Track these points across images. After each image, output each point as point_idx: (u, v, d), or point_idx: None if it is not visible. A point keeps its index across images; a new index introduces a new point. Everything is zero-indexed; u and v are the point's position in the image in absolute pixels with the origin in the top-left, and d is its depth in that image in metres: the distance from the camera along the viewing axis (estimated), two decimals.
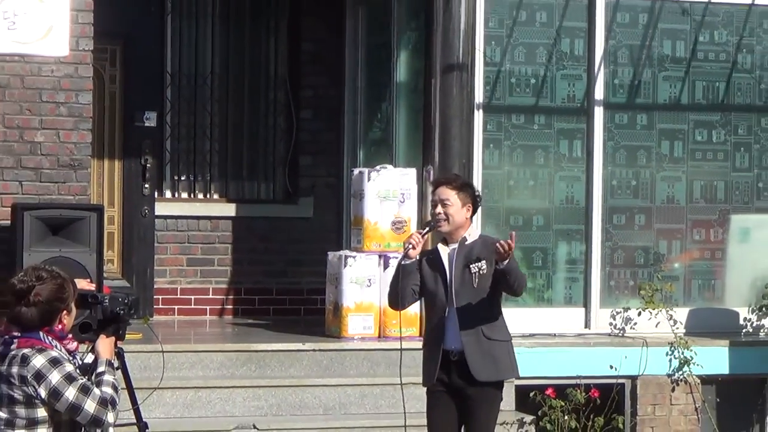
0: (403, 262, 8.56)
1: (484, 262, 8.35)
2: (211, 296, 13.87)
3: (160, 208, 13.53)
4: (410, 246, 8.37)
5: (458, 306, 8.41)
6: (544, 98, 12.65)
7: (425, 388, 8.75)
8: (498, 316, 8.48)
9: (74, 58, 12.06)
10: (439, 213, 8.37)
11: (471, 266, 8.39)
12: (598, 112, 12.47)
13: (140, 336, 10.76)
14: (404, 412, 9.05)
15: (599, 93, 12.56)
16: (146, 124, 13.62)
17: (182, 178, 14.11)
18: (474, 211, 8.73)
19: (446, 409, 8.67)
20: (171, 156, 13.96)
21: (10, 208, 11.44)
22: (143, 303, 12.63)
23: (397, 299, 8.75)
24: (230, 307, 13.84)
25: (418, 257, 8.49)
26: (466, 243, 8.44)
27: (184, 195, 14.08)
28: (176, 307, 13.58)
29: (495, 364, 8.53)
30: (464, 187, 8.63)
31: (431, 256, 8.64)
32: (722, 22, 13.03)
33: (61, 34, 12.09)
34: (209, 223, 13.78)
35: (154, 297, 13.48)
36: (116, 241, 13.48)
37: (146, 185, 13.41)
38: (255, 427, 10.33)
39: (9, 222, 11.47)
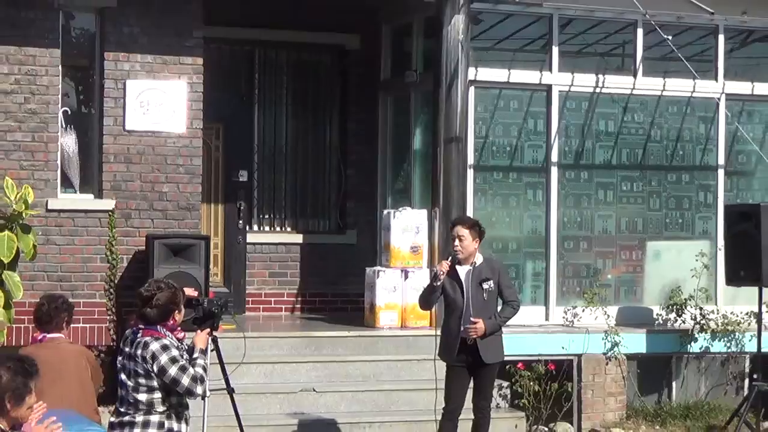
0: (434, 284, 9.78)
1: (491, 282, 9.65)
2: (285, 298, 14.54)
3: (251, 238, 14.33)
4: (442, 273, 9.57)
5: (472, 310, 9.60)
6: (516, 161, 13.62)
7: (444, 363, 9.95)
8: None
9: (189, 133, 13.04)
10: (457, 246, 9.62)
11: (483, 284, 9.61)
12: (554, 171, 13.51)
13: (234, 326, 11.42)
14: (435, 379, 10.02)
15: (554, 157, 13.62)
16: (240, 179, 14.50)
17: (265, 217, 14.80)
18: (480, 242, 9.93)
19: (462, 378, 9.89)
20: (257, 201, 14.67)
21: (145, 238, 12.34)
22: (237, 303, 13.64)
23: (427, 306, 10.35)
24: (298, 306, 14.52)
25: (441, 274, 9.63)
26: (476, 266, 9.65)
27: (267, 228, 14.77)
28: (261, 306, 14.33)
29: (496, 350, 9.86)
30: (474, 225, 9.84)
31: (455, 270, 9.71)
32: (640, 107, 14.04)
33: (180, 117, 13.04)
34: (284, 248, 14.44)
35: (246, 299, 14.18)
36: (219, 260, 14.26)
37: (240, 222, 14.18)
38: (314, 390, 11.40)
39: (144, 247, 12.30)
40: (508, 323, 10.46)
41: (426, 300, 10.21)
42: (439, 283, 9.77)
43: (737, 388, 13.32)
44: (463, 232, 9.73)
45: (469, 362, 9.84)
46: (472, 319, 9.59)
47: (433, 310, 10.89)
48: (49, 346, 8.42)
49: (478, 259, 9.83)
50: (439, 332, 10.48)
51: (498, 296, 9.85)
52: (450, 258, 9.75)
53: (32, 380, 5.27)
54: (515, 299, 10.09)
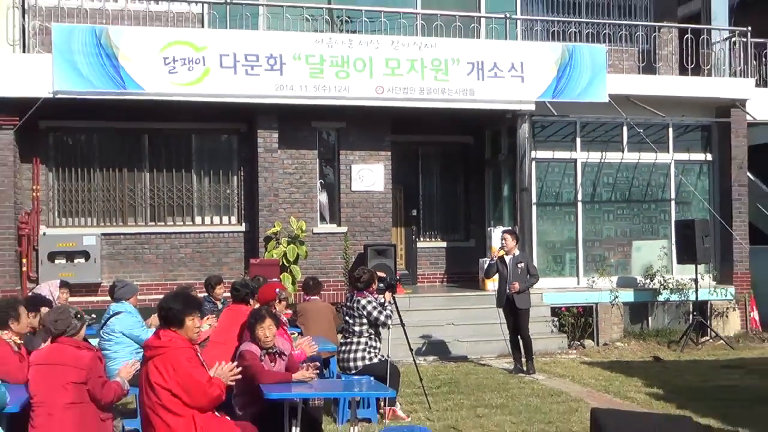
0: (490, 262, 11.47)
1: (522, 264, 11.01)
2: (438, 276, 15.66)
3: (419, 245, 15.51)
4: (495, 258, 11.31)
5: (512, 278, 10.93)
6: (558, 200, 14.89)
7: (500, 308, 11.21)
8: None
9: (385, 190, 14.09)
10: (504, 246, 11.17)
11: (518, 265, 10.96)
12: (579, 205, 14.81)
13: (411, 291, 13.79)
14: (499, 320, 11.39)
15: (579, 197, 14.89)
16: (412, 214, 15.85)
17: (426, 233, 15.88)
18: (517, 243, 11.32)
19: (506, 316, 11.22)
20: (422, 225, 15.84)
21: (363, 246, 13.71)
22: (412, 279, 14.87)
23: (487, 276, 11.84)
24: (445, 280, 15.60)
25: (496, 260, 11.13)
26: (515, 255, 11.10)
27: (427, 239, 15.84)
28: (426, 281, 15.46)
29: (524, 301, 11.00)
30: (513, 233, 11.44)
31: (502, 260, 11.10)
32: (626, 168, 15.05)
33: (380, 182, 13.92)
34: (436, 249, 15.72)
35: (417, 277, 15.19)
36: (403, 257, 15.16)
37: (413, 236, 15.39)
38: (453, 324, 12.86)
39: (363, 251, 13.66)
40: (544, 287, 12.47)
41: (487, 273, 11.63)
42: (493, 262, 11.21)
43: (685, 320, 14.32)
44: (508, 237, 11.17)
45: (509, 308, 11.06)
46: (511, 283, 10.89)
47: (495, 278, 11.46)
48: (312, 302, 9.77)
49: (516, 252, 11.15)
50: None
51: (527, 272, 11.00)
52: (501, 251, 11.21)
53: (193, 310, 5.33)
54: (536, 274, 11.17)
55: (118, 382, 5.57)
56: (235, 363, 5.60)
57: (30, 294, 8.69)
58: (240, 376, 5.48)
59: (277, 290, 7.77)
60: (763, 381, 10.44)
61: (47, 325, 5.47)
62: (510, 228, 12.84)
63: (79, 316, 5.50)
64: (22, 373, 5.68)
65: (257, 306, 7.13)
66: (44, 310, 6.64)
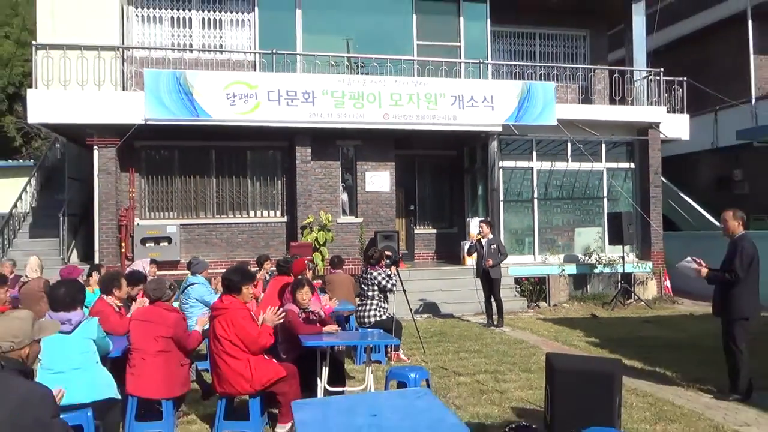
0: (471, 244, 11.00)
1: (495, 245, 10.74)
2: (430, 254, 15.31)
3: (416, 231, 15.36)
4: (474, 241, 10.88)
5: (486, 256, 10.69)
6: (520, 197, 14.47)
7: (477, 278, 10.89)
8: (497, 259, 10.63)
9: (390, 191, 13.58)
10: (482, 231, 10.85)
11: (491, 246, 10.68)
12: (536, 202, 14.44)
13: (410, 266, 13.42)
14: (475, 287, 11.18)
15: (536, 195, 14.30)
16: (411, 209, 15.12)
17: (421, 222, 15.54)
18: (492, 229, 11.03)
19: (484, 284, 10.88)
20: (418, 216, 15.41)
21: (374, 233, 13.31)
22: (411, 257, 14.76)
23: (469, 254, 11.16)
24: (435, 258, 15.23)
25: (474, 243, 10.77)
26: (489, 239, 10.83)
27: (422, 227, 15.52)
28: (420, 258, 15.12)
29: (496, 273, 10.76)
30: (488, 222, 11.10)
31: (479, 242, 10.79)
32: (570, 174, 14.59)
33: (386, 185, 13.39)
34: (429, 235, 15.41)
35: (415, 256, 14.93)
36: (403, 240, 14.75)
37: (412, 225, 15.17)
38: (441, 290, 12.62)
39: (374, 236, 13.27)
40: (512, 262, 12.41)
41: (468, 252, 11.21)
42: (472, 244, 10.91)
43: (615, 287, 14.03)
44: (483, 225, 10.93)
45: (485, 277, 10.83)
46: (486, 260, 10.72)
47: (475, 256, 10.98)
48: (337, 274, 9.54)
49: (490, 236, 10.92)
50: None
51: (498, 252, 10.77)
52: (478, 237, 10.91)
53: (247, 281, 5.19)
54: (505, 253, 10.90)
55: (198, 332, 5.51)
56: (280, 310, 5.57)
57: (128, 269, 8.63)
58: (282, 320, 5.42)
59: (306, 261, 7.86)
60: (674, 332, 10.38)
61: (148, 291, 5.42)
62: (486, 218, 12.65)
63: (172, 287, 5.48)
64: (121, 327, 5.66)
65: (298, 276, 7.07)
66: (139, 287, 6.59)
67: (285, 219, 13.66)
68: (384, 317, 7.96)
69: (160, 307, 5.29)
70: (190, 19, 13.36)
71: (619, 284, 13.83)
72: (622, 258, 13.71)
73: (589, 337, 9.82)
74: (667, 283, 14.51)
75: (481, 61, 14.09)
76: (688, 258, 6.37)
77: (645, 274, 14.34)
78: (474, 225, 13.56)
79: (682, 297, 14.30)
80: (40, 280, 7.31)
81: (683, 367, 7.54)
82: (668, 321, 11.58)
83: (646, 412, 5.83)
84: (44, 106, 11.39)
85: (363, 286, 8.13)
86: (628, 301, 13.58)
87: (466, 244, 12.35)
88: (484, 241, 10.81)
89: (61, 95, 11.54)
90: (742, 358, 6.10)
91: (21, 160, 19.40)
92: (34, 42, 11.83)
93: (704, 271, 6.22)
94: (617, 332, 10.35)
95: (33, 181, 15.46)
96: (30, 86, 11.86)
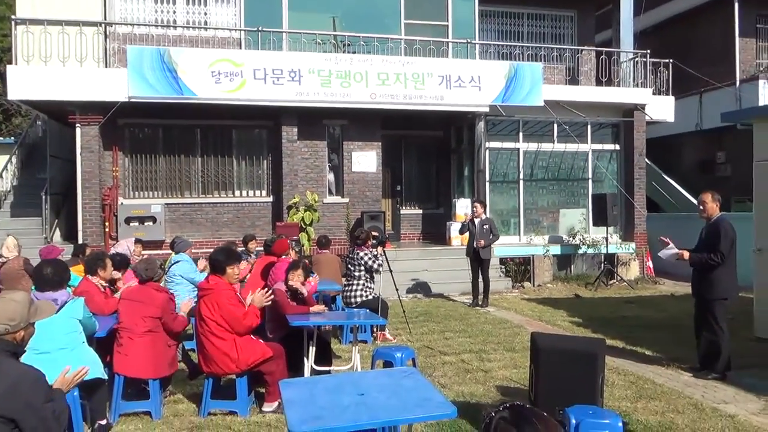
0: (464, 223, 10.96)
1: (487, 225, 10.73)
2: (416, 235, 15.28)
3: (402, 211, 15.31)
4: (467, 221, 10.84)
5: (478, 236, 10.69)
6: (506, 178, 14.51)
7: (468, 257, 10.89)
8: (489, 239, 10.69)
9: (377, 171, 13.49)
10: (475, 211, 10.91)
11: (484, 226, 10.73)
12: (522, 183, 14.50)
13: (396, 246, 13.28)
14: (469, 267, 11.04)
15: (522, 176, 14.48)
16: (397, 189, 15.01)
17: (407, 203, 15.48)
18: (484, 209, 11.12)
19: (474, 264, 10.90)
20: (405, 197, 15.45)
21: (360, 213, 13.20)
22: (396, 237, 14.63)
23: (461, 233, 11.17)
24: (421, 238, 15.30)
25: (468, 222, 10.75)
26: (482, 218, 10.85)
27: (408, 207, 15.48)
28: (407, 238, 15.10)
29: (487, 254, 10.80)
30: (482, 203, 11.22)
31: (472, 222, 10.80)
32: (557, 155, 14.61)
33: (372, 165, 13.34)
34: (415, 215, 15.38)
35: (401, 236, 14.96)
36: (390, 221, 14.71)
37: (398, 205, 15.17)
38: (426, 270, 12.56)
39: (360, 216, 13.20)
40: (497, 243, 11.67)
41: (461, 231, 11.25)
42: (466, 223, 10.91)
43: (598, 268, 14.14)
44: (477, 205, 11.00)
45: (476, 258, 10.86)
46: (478, 240, 10.77)
47: (466, 236, 11.17)
48: (323, 254, 9.52)
49: (483, 216, 10.99)
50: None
51: (490, 232, 10.85)
52: (471, 217, 10.94)
53: (233, 262, 5.18)
54: (497, 234, 10.99)
55: (184, 317, 5.51)
56: (268, 291, 5.55)
57: (112, 250, 8.60)
58: (270, 302, 5.43)
59: (290, 241, 7.74)
60: (655, 312, 10.43)
61: (139, 271, 5.39)
62: (480, 199, 12.57)
63: (162, 267, 5.52)
64: (107, 307, 5.67)
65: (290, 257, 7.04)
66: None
67: (271, 199, 13.58)
68: (370, 297, 7.93)
69: (150, 287, 5.29)
70: None
71: (603, 265, 13.82)
72: (606, 239, 13.70)
73: (573, 317, 9.82)
74: (650, 264, 14.53)
75: (469, 41, 13.95)
76: (670, 245, 6.39)
77: (628, 255, 14.36)
78: (460, 205, 13.72)
79: (663, 278, 14.39)
80: (19, 259, 7.29)
81: (664, 347, 7.59)
82: (650, 301, 11.63)
83: (627, 390, 5.92)
84: (24, 83, 11.23)
85: (349, 266, 8.11)
86: (611, 282, 13.60)
87: (452, 225, 12.66)
88: (476, 221, 10.79)
89: (42, 71, 11.38)
90: (723, 337, 6.17)
91: (1, 138, 19.32)
92: (13, 16, 11.67)
93: (686, 254, 6.23)
94: (600, 312, 10.36)
95: (14, 159, 15.28)
96: (9, 62, 11.85)
